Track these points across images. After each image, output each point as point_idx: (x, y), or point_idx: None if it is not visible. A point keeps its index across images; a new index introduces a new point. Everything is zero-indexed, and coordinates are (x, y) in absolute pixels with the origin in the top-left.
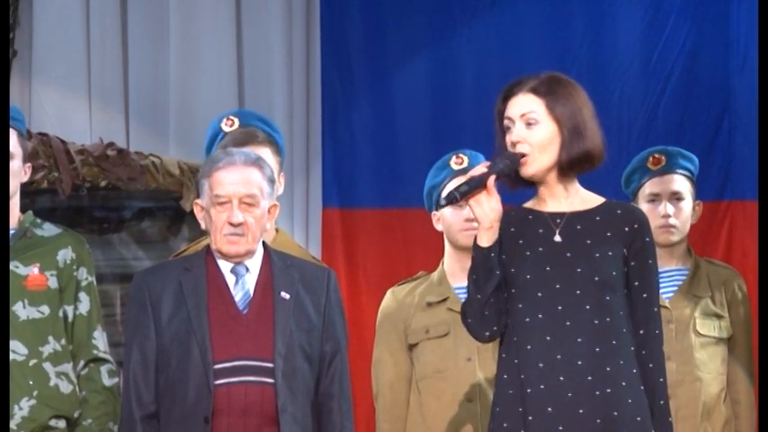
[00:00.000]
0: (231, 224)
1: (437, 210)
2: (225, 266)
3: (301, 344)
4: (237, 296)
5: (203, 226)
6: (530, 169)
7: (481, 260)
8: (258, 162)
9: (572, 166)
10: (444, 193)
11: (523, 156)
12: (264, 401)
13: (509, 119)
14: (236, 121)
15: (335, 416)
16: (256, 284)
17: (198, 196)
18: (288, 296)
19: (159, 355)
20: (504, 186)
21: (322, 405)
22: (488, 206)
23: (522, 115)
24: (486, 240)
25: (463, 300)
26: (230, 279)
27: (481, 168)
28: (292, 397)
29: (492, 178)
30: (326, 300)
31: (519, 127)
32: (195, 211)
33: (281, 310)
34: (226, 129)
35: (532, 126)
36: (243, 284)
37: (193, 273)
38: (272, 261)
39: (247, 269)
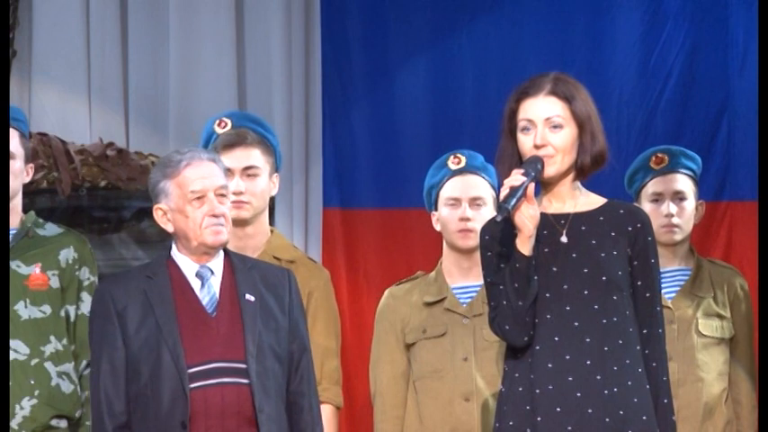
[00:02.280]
0: (214, 215)
1: (498, 218)
2: (189, 271)
3: (271, 344)
4: (204, 300)
5: (170, 229)
6: (551, 171)
7: (524, 268)
8: (215, 158)
9: (592, 167)
10: (497, 211)
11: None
12: (241, 402)
13: (528, 120)
14: (229, 122)
15: (307, 414)
16: (221, 287)
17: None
18: (252, 298)
19: (128, 365)
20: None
21: (293, 404)
22: (528, 214)
23: (548, 119)
24: (527, 249)
25: (461, 300)
26: (195, 283)
27: (519, 177)
28: (267, 397)
29: (532, 186)
30: (290, 300)
31: (543, 130)
32: (157, 216)
33: (248, 311)
34: (218, 130)
35: (557, 129)
36: (209, 288)
37: (157, 280)
38: (233, 263)
39: (212, 272)
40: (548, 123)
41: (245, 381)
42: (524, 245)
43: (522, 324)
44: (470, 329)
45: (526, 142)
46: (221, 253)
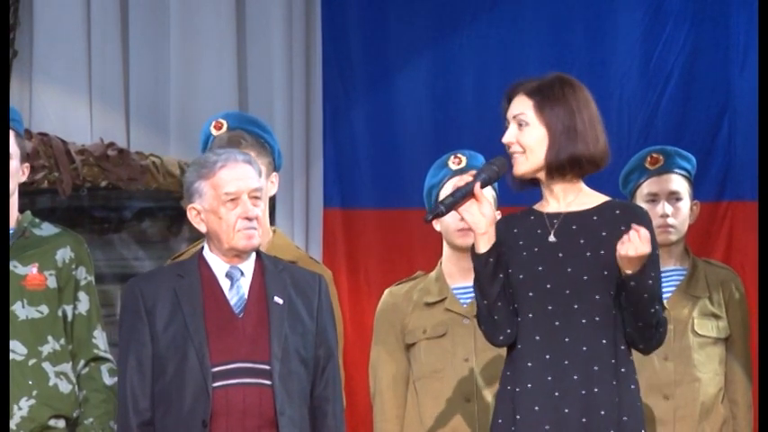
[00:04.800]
0: (248, 218)
1: (428, 217)
2: (219, 271)
3: (296, 347)
4: (233, 300)
5: (203, 229)
6: (519, 169)
7: (481, 266)
8: (250, 159)
9: (560, 169)
10: (431, 208)
11: (512, 158)
12: (263, 403)
13: (507, 119)
14: (225, 124)
15: (330, 420)
16: (250, 288)
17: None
18: (281, 301)
19: (155, 362)
20: (513, 188)
21: (317, 409)
22: (479, 213)
23: (515, 116)
24: (482, 246)
25: (461, 300)
26: (225, 283)
27: (466, 178)
28: (289, 400)
29: (477, 185)
30: (319, 304)
31: (512, 128)
32: (191, 216)
33: (276, 313)
34: (215, 132)
35: (523, 127)
36: (238, 289)
37: (188, 279)
38: (264, 265)
39: (242, 273)
40: (515, 121)
41: (267, 382)
42: (478, 242)
43: (491, 323)
44: (471, 330)
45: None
46: (253, 254)
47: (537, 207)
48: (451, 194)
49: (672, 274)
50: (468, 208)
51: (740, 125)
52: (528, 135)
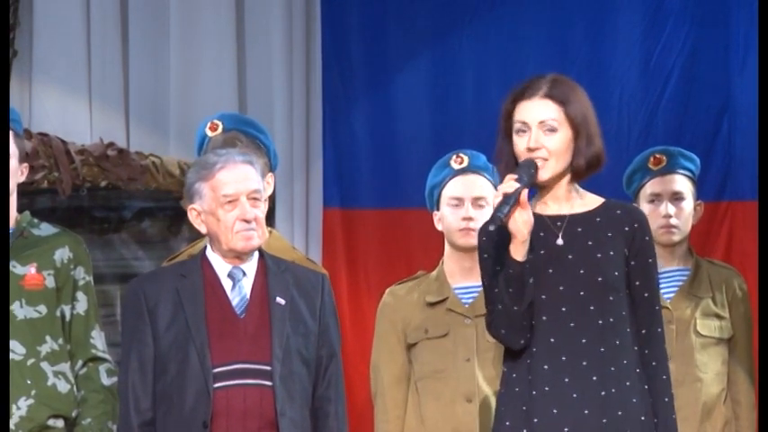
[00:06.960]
0: (245, 221)
1: (491, 227)
2: (222, 271)
3: (298, 348)
4: (234, 300)
5: (203, 230)
6: (545, 174)
7: (518, 273)
8: (251, 160)
9: (588, 170)
10: (488, 219)
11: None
12: (263, 404)
13: (523, 123)
14: (220, 125)
15: (332, 420)
16: (252, 289)
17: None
18: (283, 301)
19: (156, 362)
20: None
21: (318, 409)
22: (521, 220)
23: (542, 122)
24: (521, 254)
25: (462, 300)
26: (227, 284)
27: (512, 183)
28: (290, 401)
29: (525, 193)
30: (321, 304)
31: (537, 133)
32: (191, 216)
33: (277, 314)
34: (210, 134)
35: (551, 133)
36: (240, 289)
37: (190, 279)
38: (266, 265)
39: (244, 273)
40: (542, 126)
41: (268, 383)
42: (517, 250)
43: (518, 328)
44: (473, 330)
45: (520, 144)
46: (255, 254)
47: (532, 209)
48: (505, 201)
49: (675, 274)
50: (514, 215)
51: (740, 125)
52: (557, 141)
